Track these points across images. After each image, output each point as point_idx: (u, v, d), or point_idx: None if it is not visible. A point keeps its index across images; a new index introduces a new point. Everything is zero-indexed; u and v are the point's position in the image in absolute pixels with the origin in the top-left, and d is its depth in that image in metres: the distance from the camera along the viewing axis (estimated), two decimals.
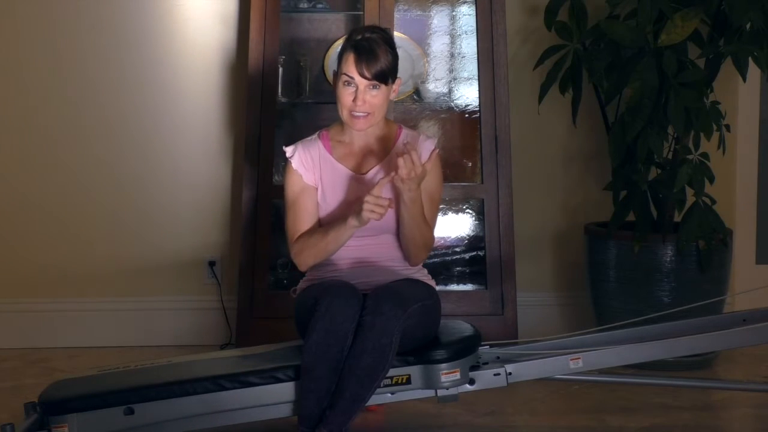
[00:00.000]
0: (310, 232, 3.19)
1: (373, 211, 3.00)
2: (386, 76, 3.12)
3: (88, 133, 4.48)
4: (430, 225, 3.20)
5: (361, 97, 3.11)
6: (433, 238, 3.22)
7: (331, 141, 3.26)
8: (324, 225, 3.19)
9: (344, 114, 3.16)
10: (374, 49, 3.11)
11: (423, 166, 3.03)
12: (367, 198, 3.00)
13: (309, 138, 3.29)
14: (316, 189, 3.22)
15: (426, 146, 3.22)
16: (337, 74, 3.18)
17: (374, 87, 3.12)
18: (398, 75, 3.21)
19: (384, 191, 3.07)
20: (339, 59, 3.17)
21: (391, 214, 3.13)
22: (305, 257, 3.18)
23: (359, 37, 3.15)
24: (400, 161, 3.00)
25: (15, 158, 4.47)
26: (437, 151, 3.16)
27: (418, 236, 3.15)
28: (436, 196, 3.24)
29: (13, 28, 4.44)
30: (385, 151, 3.24)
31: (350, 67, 3.12)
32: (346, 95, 3.14)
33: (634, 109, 3.97)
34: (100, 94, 4.48)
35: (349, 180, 3.21)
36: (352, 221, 3.06)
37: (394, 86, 3.19)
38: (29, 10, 4.42)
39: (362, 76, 3.10)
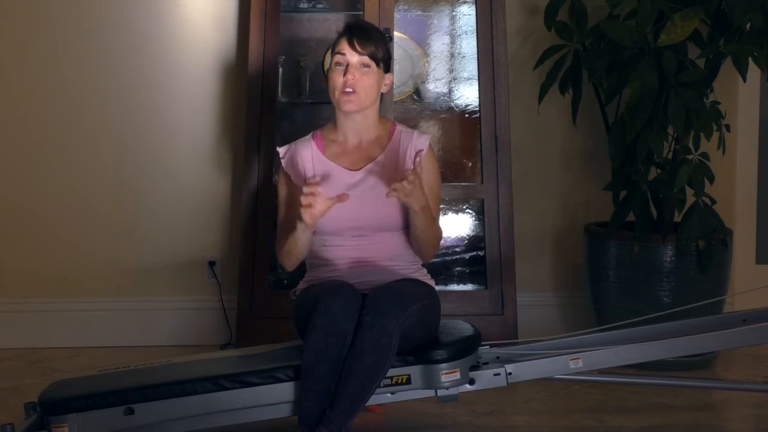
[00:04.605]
0: (284, 236, 3.21)
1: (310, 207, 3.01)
2: (378, 58, 3.15)
3: (88, 133, 4.48)
4: (436, 220, 3.22)
5: (351, 72, 3.13)
6: (441, 231, 3.25)
7: (324, 140, 3.27)
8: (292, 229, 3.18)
9: (336, 95, 3.16)
10: (368, 31, 3.18)
11: (415, 176, 3.01)
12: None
13: (303, 138, 3.30)
14: None
15: (420, 142, 3.22)
16: (330, 66, 3.19)
17: (365, 66, 3.14)
18: (392, 71, 3.23)
19: (376, 187, 3.13)
20: (333, 47, 3.20)
21: (387, 212, 3.15)
22: (284, 262, 3.22)
23: (353, 22, 3.23)
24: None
25: (15, 159, 4.47)
26: (423, 152, 3.15)
27: (431, 236, 3.19)
28: (435, 188, 3.25)
29: (10, 31, 4.43)
30: (379, 148, 3.24)
31: (343, 45, 3.16)
32: (336, 75, 3.16)
33: (634, 109, 3.97)
34: (100, 95, 4.47)
35: (341, 178, 3.21)
36: (300, 224, 3.07)
37: (386, 80, 3.21)
38: (26, 13, 4.42)
39: (354, 50, 3.13)
